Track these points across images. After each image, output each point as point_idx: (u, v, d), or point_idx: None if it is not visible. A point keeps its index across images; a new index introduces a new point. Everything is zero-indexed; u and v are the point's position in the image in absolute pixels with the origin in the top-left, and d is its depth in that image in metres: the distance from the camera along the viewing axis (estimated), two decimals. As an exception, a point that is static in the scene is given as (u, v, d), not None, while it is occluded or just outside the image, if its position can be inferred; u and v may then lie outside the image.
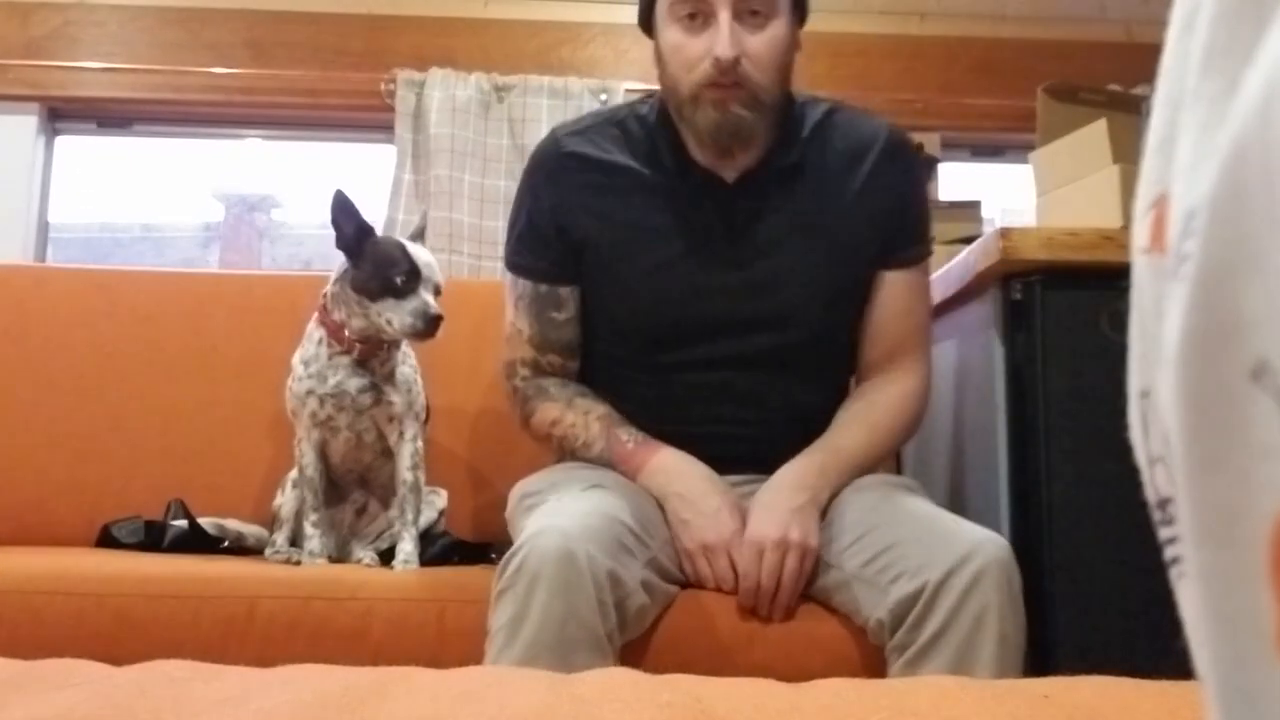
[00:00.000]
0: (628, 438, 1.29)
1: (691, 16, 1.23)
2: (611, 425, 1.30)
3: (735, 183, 1.31)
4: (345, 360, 1.45)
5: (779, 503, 1.20)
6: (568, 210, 1.32)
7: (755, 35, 1.22)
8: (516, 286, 1.38)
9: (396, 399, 1.46)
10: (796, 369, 1.32)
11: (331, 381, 1.44)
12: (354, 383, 1.44)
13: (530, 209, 1.36)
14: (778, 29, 1.24)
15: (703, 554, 1.20)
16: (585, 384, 1.39)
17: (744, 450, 1.31)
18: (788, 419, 1.31)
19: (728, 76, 1.21)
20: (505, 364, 1.40)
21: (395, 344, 1.48)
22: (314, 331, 1.48)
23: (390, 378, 1.47)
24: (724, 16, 1.20)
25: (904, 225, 1.34)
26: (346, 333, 1.44)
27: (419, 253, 1.43)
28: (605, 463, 1.29)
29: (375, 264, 1.40)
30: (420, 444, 1.48)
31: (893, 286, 1.33)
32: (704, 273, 1.29)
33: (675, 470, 1.25)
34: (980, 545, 1.08)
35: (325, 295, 1.47)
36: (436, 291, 1.42)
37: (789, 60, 1.27)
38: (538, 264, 1.35)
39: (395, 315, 1.38)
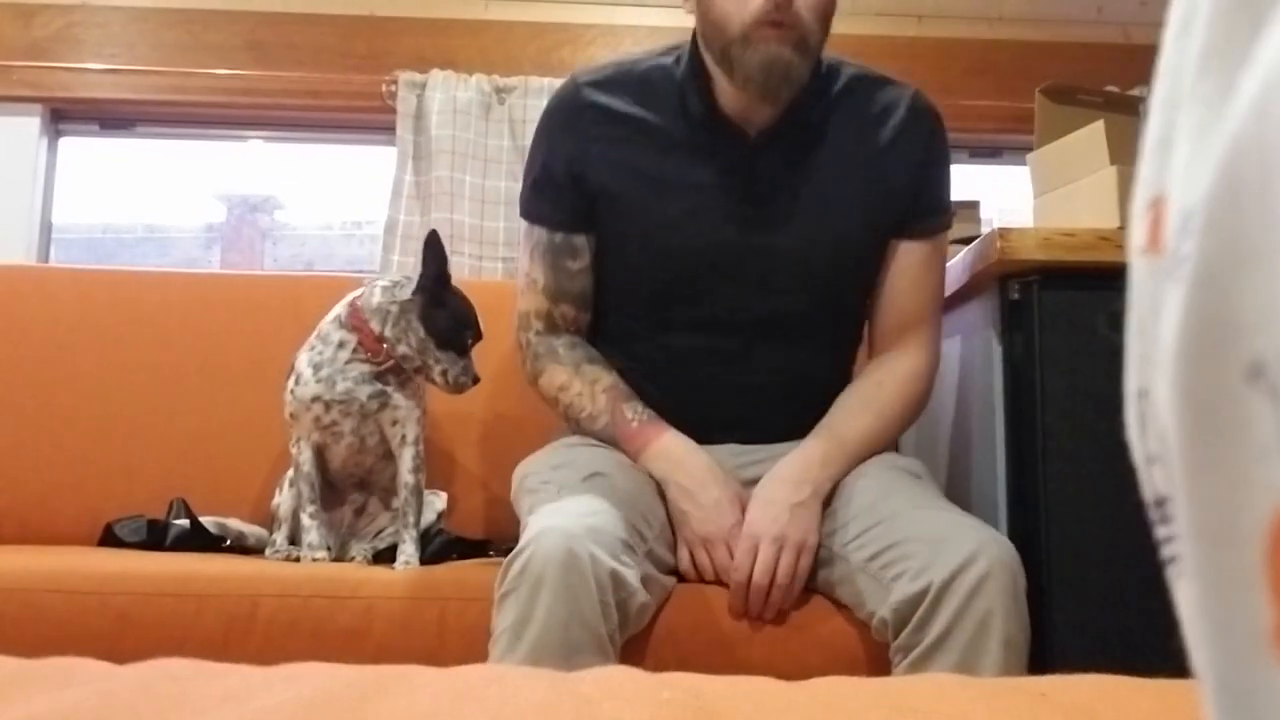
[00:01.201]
0: (633, 415, 1.29)
1: None
2: (618, 400, 1.30)
3: (756, 138, 1.30)
4: (364, 369, 1.45)
5: (779, 497, 1.20)
6: (584, 159, 1.32)
7: None
8: (532, 234, 1.37)
9: (402, 402, 1.46)
10: (801, 333, 1.32)
11: (340, 387, 1.44)
12: (364, 389, 1.45)
13: (546, 157, 1.36)
14: None
15: (702, 546, 1.20)
16: (593, 339, 1.39)
17: (740, 413, 1.32)
18: (788, 383, 1.33)
19: (784, 13, 1.19)
20: (519, 315, 1.40)
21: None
22: (334, 334, 1.46)
23: (402, 386, 1.48)
24: None
25: (922, 195, 1.33)
26: (385, 346, 1.45)
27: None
28: (609, 438, 1.29)
29: (455, 318, 1.45)
30: (421, 447, 1.49)
31: (907, 256, 1.33)
32: (717, 230, 1.29)
33: (678, 457, 1.25)
34: (985, 547, 1.08)
35: (367, 306, 1.46)
36: None
37: (832, 13, 1.26)
38: (553, 214, 1.35)
39: (451, 369, 1.45)
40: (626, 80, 1.34)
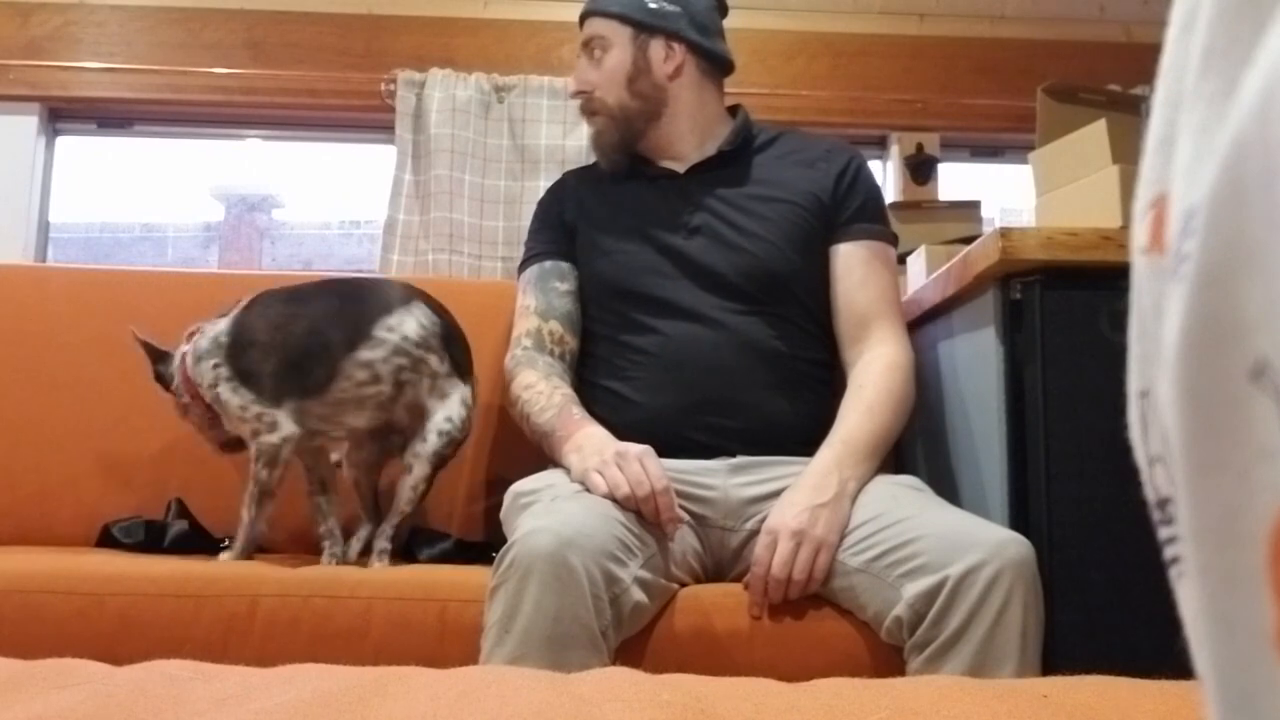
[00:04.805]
0: (578, 413, 1.36)
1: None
2: (571, 401, 1.38)
3: (686, 173, 1.52)
4: None
5: (800, 500, 1.22)
6: (566, 200, 1.58)
7: (595, 68, 1.52)
8: (526, 276, 1.55)
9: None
10: (755, 312, 1.41)
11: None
12: None
13: (539, 208, 1.62)
14: (612, 59, 1.51)
15: (595, 472, 1.22)
16: (580, 368, 1.49)
17: (715, 394, 1.37)
18: (754, 358, 1.39)
19: (582, 100, 1.54)
20: (512, 341, 1.51)
21: None
22: None
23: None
24: (581, 58, 1.53)
25: (851, 202, 1.48)
26: None
27: None
28: (549, 428, 1.35)
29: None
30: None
31: (848, 258, 1.46)
32: (665, 234, 1.47)
33: (587, 436, 1.30)
34: (1001, 543, 1.10)
35: None
36: None
37: (632, 76, 1.50)
38: (543, 246, 1.55)
39: None
40: (596, 166, 1.64)
